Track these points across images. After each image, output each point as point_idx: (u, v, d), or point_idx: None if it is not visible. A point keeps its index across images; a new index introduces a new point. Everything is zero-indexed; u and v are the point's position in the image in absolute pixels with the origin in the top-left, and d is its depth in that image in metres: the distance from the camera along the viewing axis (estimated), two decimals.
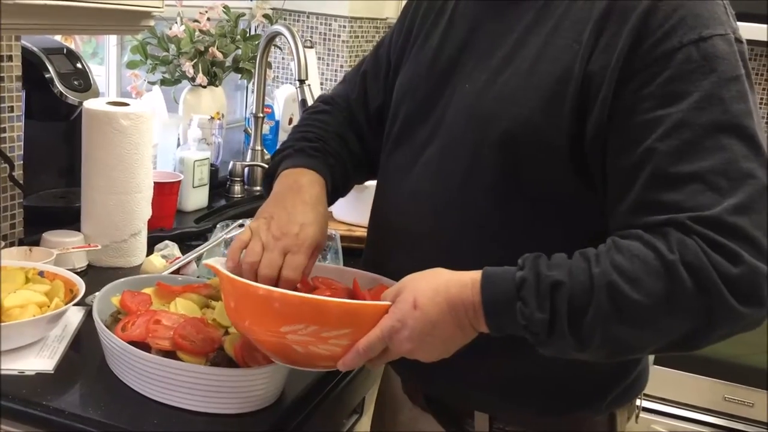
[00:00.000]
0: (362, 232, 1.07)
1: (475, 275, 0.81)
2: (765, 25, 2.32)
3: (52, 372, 0.99)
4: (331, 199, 1.07)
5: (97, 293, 1.07)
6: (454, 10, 1.02)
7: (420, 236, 0.97)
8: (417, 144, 1.00)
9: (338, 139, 1.12)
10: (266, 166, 1.99)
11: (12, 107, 1.33)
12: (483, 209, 0.91)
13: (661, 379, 2.48)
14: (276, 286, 0.88)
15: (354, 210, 1.62)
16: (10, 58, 1.31)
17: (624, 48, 0.81)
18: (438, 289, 0.81)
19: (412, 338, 0.81)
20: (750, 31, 2.33)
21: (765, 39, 2.33)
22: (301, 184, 1.00)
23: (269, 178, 1.07)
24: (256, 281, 0.89)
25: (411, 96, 1.02)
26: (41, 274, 1.13)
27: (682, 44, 0.79)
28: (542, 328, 0.77)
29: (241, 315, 0.86)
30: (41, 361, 1.01)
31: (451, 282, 0.81)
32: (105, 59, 2.05)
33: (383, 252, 1.03)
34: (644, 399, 2.50)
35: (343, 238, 1.51)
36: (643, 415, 2.49)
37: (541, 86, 0.86)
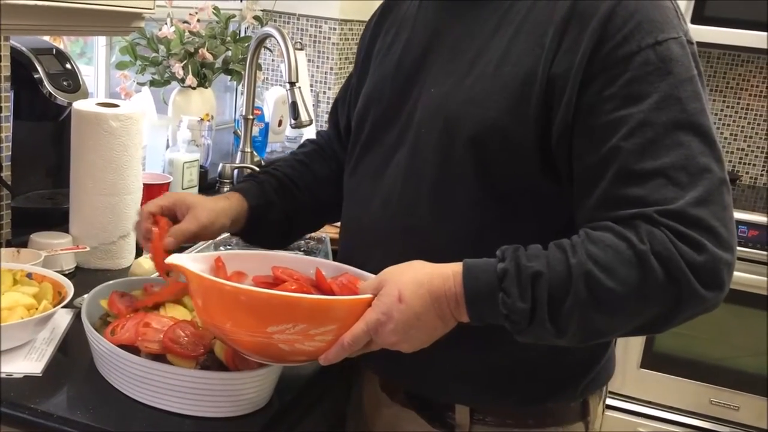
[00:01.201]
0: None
1: (456, 267, 0.84)
2: (765, 33, 2.34)
3: (41, 375, 0.98)
4: (266, 210, 1.13)
5: (85, 295, 1.07)
6: (415, 17, 1.05)
7: (394, 237, 0.99)
8: (386, 148, 1.03)
9: (297, 164, 1.21)
10: (256, 168, 1.99)
11: (0, 107, 1.32)
12: (454, 208, 0.94)
13: (648, 381, 2.50)
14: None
15: None
16: None
17: (586, 51, 0.85)
18: (421, 281, 0.84)
19: (397, 331, 0.83)
20: (750, 38, 2.35)
21: (765, 47, 2.35)
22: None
23: None
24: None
25: (377, 102, 1.05)
26: (29, 275, 1.12)
27: (641, 48, 0.84)
28: (523, 317, 0.81)
29: (214, 316, 0.85)
30: (29, 363, 1.00)
31: (433, 274, 0.84)
32: (94, 60, 2.04)
33: (360, 255, 1.04)
34: (630, 402, 2.52)
35: (333, 240, 1.51)
36: (628, 417, 2.50)
37: (507, 89, 0.89)
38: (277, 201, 1.15)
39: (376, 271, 0.92)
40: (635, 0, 0.86)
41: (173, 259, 0.90)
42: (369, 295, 0.85)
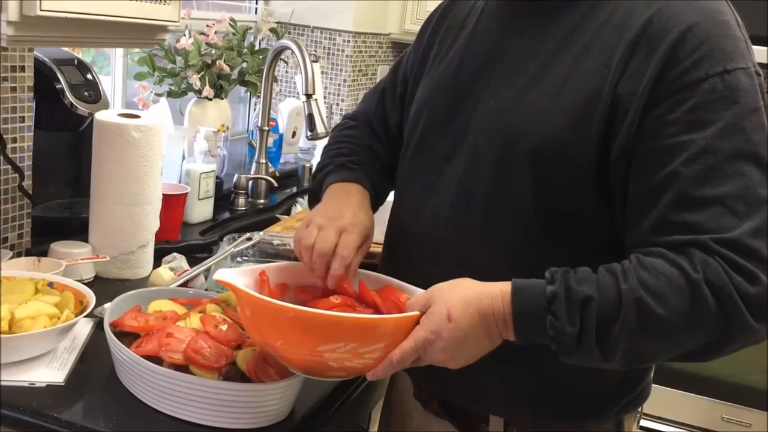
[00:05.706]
0: (375, 248, 1.08)
1: (504, 287, 0.84)
2: (765, 48, 2.35)
3: (63, 384, 0.99)
4: (374, 208, 1.11)
5: (106, 305, 1.08)
6: (475, 26, 1.05)
7: (442, 245, 0.99)
8: (437, 155, 1.03)
9: (369, 151, 1.18)
10: (270, 179, 1.99)
11: (23, 117, 1.33)
12: (505, 222, 0.95)
13: (660, 398, 2.49)
14: (329, 265, 0.95)
15: None
16: (23, 68, 1.31)
17: (653, 75, 0.85)
18: (470, 300, 0.84)
19: (445, 349, 0.84)
20: None
21: (765, 61, 2.35)
22: (349, 192, 1.08)
23: (314, 194, 1.13)
24: (312, 260, 0.95)
25: (431, 108, 1.05)
26: (51, 285, 1.13)
27: (708, 75, 0.84)
28: (570, 340, 0.81)
29: (264, 332, 0.86)
30: (51, 372, 1.01)
31: (482, 294, 0.85)
32: (111, 70, 2.05)
33: (405, 261, 1.05)
34: (642, 418, 2.51)
35: None
36: None
37: (570, 106, 0.89)
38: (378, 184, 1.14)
39: (419, 280, 0.93)
40: (707, 28, 0.85)
41: (220, 275, 0.90)
42: (416, 313, 0.86)
